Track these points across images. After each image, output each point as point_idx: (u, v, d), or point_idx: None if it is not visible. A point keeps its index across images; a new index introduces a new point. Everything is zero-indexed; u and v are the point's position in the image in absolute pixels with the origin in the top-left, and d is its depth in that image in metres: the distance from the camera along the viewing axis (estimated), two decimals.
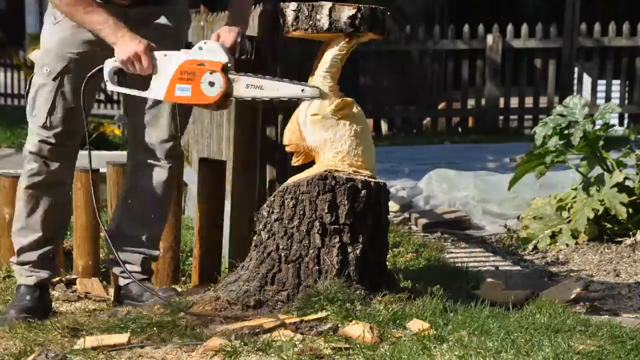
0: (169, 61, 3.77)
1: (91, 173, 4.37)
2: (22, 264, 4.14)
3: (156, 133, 4.14)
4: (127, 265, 4.07)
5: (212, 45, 3.76)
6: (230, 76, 3.69)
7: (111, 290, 4.53)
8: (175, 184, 4.29)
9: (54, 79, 4.02)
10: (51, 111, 4.02)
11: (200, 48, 3.74)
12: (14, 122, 12.70)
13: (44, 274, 4.15)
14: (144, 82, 3.82)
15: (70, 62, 4.00)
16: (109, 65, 3.85)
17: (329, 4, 3.52)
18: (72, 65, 4.00)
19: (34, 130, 4.06)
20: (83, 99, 3.94)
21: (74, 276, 4.74)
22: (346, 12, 3.51)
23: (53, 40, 4.03)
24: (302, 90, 3.60)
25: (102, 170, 4.75)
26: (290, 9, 3.57)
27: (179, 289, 4.30)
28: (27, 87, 4.07)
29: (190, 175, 6.18)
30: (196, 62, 3.72)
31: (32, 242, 4.12)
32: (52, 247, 4.17)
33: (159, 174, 4.16)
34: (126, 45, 3.78)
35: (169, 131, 4.13)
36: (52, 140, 4.04)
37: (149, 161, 4.15)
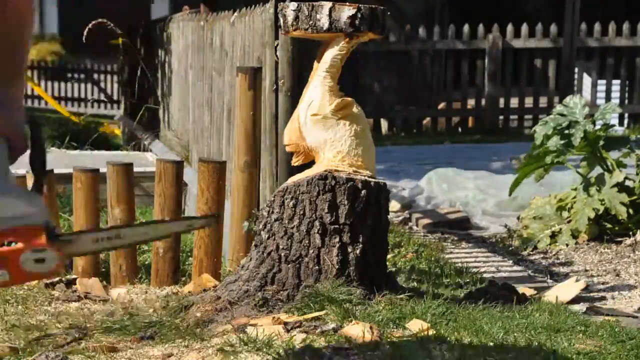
0: None
1: (92, 173, 4.36)
2: None
3: None
4: None
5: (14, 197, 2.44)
6: (64, 238, 2.49)
7: (111, 291, 4.54)
8: None
9: None
10: None
11: None
12: None
13: None
14: None
15: None
16: None
17: (329, 4, 3.52)
18: None
19: None
20: None
21: (74, 276, 4.74)
22: (346, 12, 3.51)
23: None
24: (189, 224, 2.82)
25: (102, 170, 4.75)
26: (290, 9, 3.57)
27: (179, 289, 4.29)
28: None
29: (190, 175, 6.19)
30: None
31: None
32: None
33: None
34: None
35: None
36: None
37: None
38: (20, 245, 2.39)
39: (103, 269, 4.84)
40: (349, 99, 3.62)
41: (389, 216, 3.68)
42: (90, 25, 6.87)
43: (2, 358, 3.22)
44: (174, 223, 2.91)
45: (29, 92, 20.55)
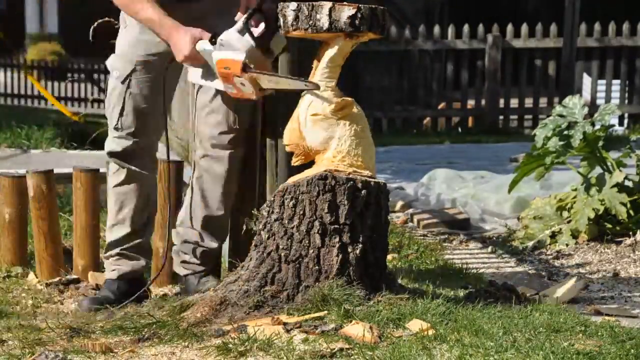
0: (210, 59, 3.87)
1: (92, 173, 4.37)
2: (107, 257, 4.31)
3: (214, 125, 4.17)
4: (183, 255, 4.23)
5: (228, 38, 3.82)
6: (253, 74, 3.80)
7: None
8: (236, 174, 4.26)
9: (122, 82, 4.16)
10: (121, 113, 4.17)
11: (221, 44, 3.82)
12: (14, 122, 12.70)
13: (125, 267, 4.27)
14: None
15: (137, 64, 4.15)
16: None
17: (329, 4, 3.52)
18: (139, 68, 4.15)
19: (110, 131, 4.23)
20: (164, 95, 4.12)
21: (74, 276, 4.74)
22: (346, 12, 3.51)
23: (122, 45, 4.23)
24: (305, 84, 3.65)
25: (102, 170, 4.75)
26: (290, 9, 3.56)
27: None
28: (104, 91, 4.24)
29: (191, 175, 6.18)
30: (223, 63, 3.81)
31: (119, 237, 4.27)
32: (141, 240, 4.30)
33: (219, 165, 4.18)
34: (179, 45, 3.93)
35: (227, 122, 4.16)
36: (126, 140, 4.18)
37: (209, 153, 4.19)
38: (230, 71, 3.81)
39: (103, 269, 4.83)
40: (349, 99, 3.62)
41: (389, 216, 3.68)
42: (95, 24, 6.86)
43: (3, 358, 3.22)
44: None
45: (30, 92, 20.57)
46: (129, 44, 4.19)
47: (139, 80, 4.16)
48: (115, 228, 4.28)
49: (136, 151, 4.20)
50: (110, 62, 4.26)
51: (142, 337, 3.35)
